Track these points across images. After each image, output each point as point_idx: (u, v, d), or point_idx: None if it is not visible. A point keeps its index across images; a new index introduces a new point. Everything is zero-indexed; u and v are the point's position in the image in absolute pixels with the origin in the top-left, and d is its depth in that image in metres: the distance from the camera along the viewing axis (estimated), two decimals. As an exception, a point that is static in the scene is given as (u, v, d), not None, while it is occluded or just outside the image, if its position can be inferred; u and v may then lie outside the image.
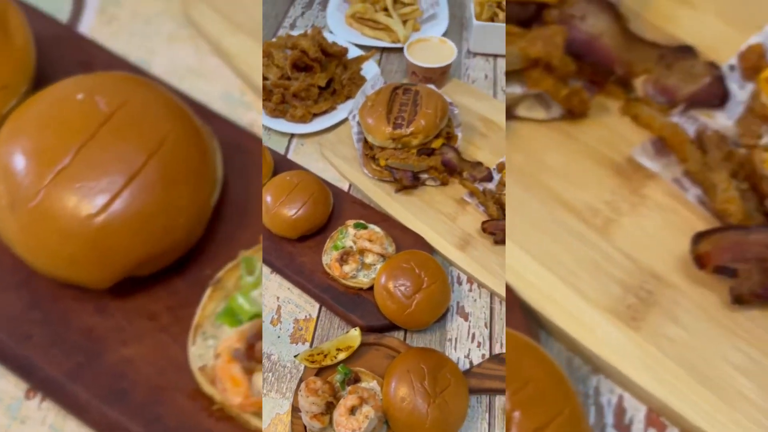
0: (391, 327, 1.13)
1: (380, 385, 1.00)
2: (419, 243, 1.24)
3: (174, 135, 1.03)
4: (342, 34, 1.76)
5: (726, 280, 1.04)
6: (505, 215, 1.23)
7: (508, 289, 1.07)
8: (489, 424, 1.03)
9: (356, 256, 1.17)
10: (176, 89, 1.29)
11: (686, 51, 1.23)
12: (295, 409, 0.99)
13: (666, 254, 1.08)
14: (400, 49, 1.67)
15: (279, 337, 1.14)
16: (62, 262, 0.97)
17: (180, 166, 1.02)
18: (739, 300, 1.01)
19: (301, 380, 1.03)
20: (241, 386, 0.88)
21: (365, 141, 1.36)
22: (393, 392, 0.96)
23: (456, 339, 1.14)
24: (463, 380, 1.00)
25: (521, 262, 1.10)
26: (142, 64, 1.35)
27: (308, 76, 1.48)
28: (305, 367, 1.05)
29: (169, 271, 1.05)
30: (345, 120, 1.48)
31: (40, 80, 1.18)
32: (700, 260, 1.03)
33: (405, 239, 1.24)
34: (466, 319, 1.16)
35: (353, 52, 1.66)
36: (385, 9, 1.76)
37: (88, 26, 1.42)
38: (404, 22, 1.76)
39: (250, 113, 1.33)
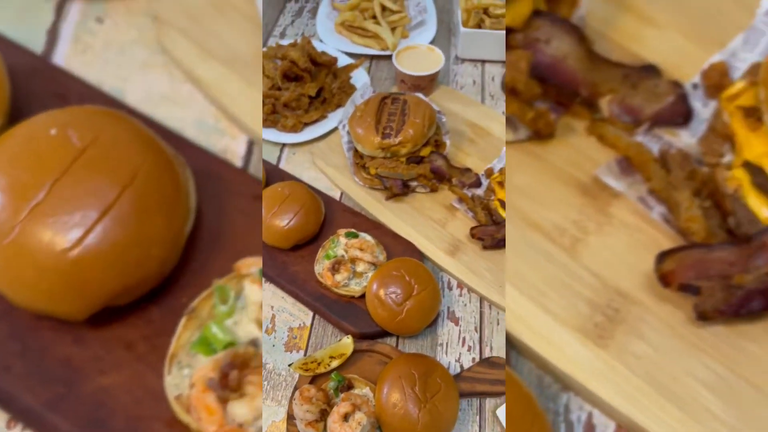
0: (384, 333, 1.17)
1: (373, 392, 1.04)
2: (410, 250, 1.27)
3: (146, 167, 1.04)
4: (331, 42, 1.79)
5: (691, 298, 1.05)
6: (493, 221, 1.26)
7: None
8: (480, 427, 1.06)
9: (348, 264, 1.20)
10: (150, 117, 1.30)
11: (650, 70, 1.24)
12: (291, 417, 1.03)
13: (632, 272, 1.10)
14: (390, 57, 1.69)
15: (274, 345, 1.16)
16: (39, 296, 0.99)
17: (153, 198, 1.03)
18: (703, 317, 1.03)
19: (295, 388, 1.07)
20: (216, 415, 0.90)
21: (355, 150, 1.39)
22: (385, 398, 0.99)
23: (447, 343, 1.17)
24: (453, 384, 1.03)
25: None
26: (117, 92, 1.36)
27: (298, 86, 1.51)
28: (300, 375, 1.07)
29: (145, 300, 1.06)
30: (336, 129, 1.51)
31: (15, 113, 1.19)
32: (664, 278, 1.06)
33: (396, 246, 1.27)
34: (457, 324, 1.20)
35: (343, 60, 1.68)
36: (374, 17, 1.79)
37: (63, 56, 1.43)
38: (393, 30, 1.78)
39: (224, 139, 1.34)
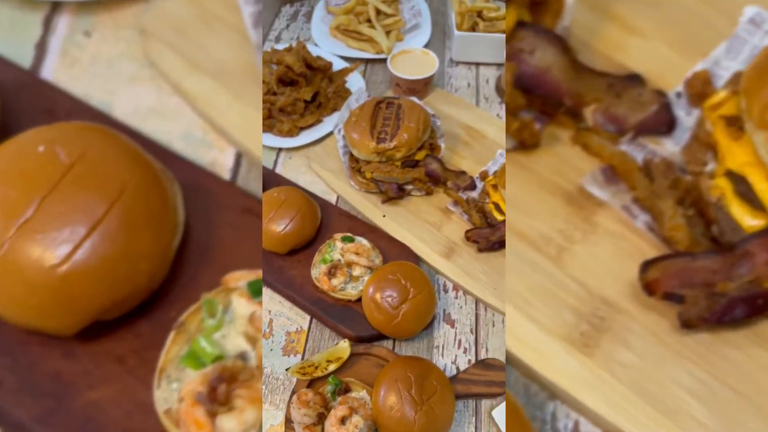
0: (380, 337, 1.18)
1: (370, 395, 1.05)
2: (405, 253, 1.28)
3: (134, 182, 1.05)
4: (326, 46, 1.79)
5: (675, 306, 1.06)
6: (488, 224, 1.27)
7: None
8: (476, 428, 1.07)
9: (344, 269, 1.21)
10: (138, 130, 1.31)
11: (634, 79, 1.26)
12: (289, 421, 1.04)
13: (617, 281, 1.11)
14: (384, 60, 1.69)
15: (271, 349, 1.17)
16: (29, 311, 1.00)
17: (141, 213, 1.04)
18: (687, 325, 1.04)
19: (293, 392, 1.08)
20: (205, 429, 0.90)
21: (351, 154, 1.40)
22: (382, 401, 1.00)
23: (443, 346, 1.18)
24: (449, 386, 1.05)
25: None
26: (104, 106, 1.37)
27: (294, 90, 1.52)
28: (297, 378, 1.08)
29: (134, 314, 1.07)
30: (331, 133, 1.51)
31: (4, 129, 1.20)
32: (649, 287, 1.07)
33: (392, 250, 1.28)
34: (453, 326, 1.21)
35: (338, 64, 1.69)
36: (369, 20, 1.79)
37: (51, 70, 1.43)
38: (387, 33, 1.79)
39: (211, 152, 1.35)
